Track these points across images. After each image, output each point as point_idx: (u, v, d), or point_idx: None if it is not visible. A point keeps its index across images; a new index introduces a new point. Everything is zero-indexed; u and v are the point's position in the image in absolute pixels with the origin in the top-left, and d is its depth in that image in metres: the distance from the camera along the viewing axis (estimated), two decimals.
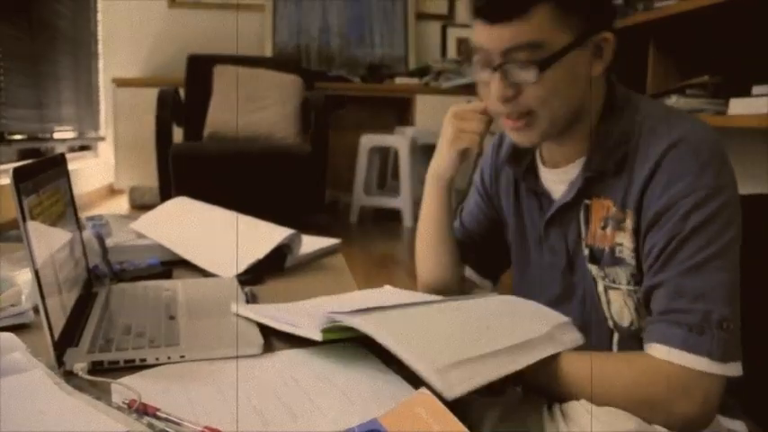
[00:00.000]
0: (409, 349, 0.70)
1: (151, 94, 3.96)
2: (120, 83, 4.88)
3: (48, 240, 0.82)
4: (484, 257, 1.17)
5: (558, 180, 0.98)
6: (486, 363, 0.72)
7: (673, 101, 2.54)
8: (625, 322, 0.93)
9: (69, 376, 0.73)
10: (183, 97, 4.32)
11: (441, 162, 1.07)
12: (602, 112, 0.94)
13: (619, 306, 0.92)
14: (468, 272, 1.17)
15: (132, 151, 4.83)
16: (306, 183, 3.81)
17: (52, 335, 0.75)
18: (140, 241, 1.38)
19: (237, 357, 0.81)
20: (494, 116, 0.97)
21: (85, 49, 4.94)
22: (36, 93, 3.97)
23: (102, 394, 0.68)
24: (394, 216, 4.50)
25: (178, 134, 4.17)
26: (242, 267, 1.23)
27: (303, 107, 4.23)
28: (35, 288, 0.73)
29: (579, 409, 0.77)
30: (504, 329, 0.81)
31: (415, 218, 1.16)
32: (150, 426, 0.62)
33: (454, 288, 1.13)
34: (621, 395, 0.78)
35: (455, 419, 0.58)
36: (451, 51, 5.34)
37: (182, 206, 1.57)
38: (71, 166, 1.03)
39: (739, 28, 2.58)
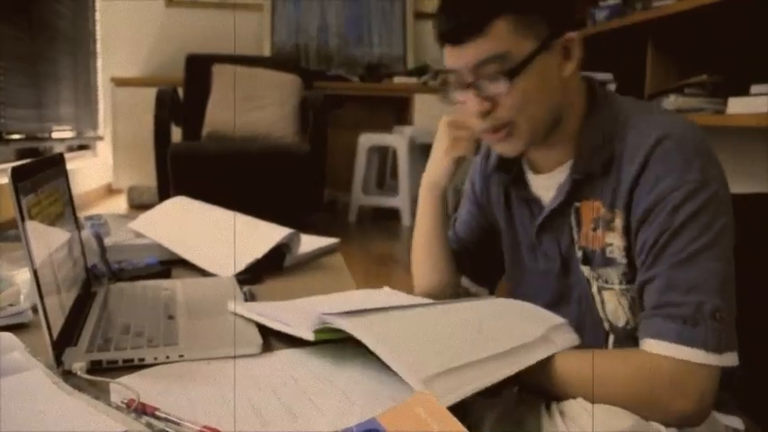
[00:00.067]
0: (398, 356, 0.70)
1: (150, 94, 3.96)
2: (119, 82, 4.87)
3: (46, 240, 0.82)
4: (479, 265, 1.18)
5: (546, 185, 0.99)
6: (475, 371, 0.72)
7: (671, 100, 2.54)
8: (620, 322, 0.93)
9: (68, 376, 0.73)
10: (182, 97, 4.32)
11: (436, 171, 1.08)
12: (585, 113, 0.94)
13: (613, 306, 0.93)
14: (465, 280, 1.18)
15: (131, 151, 4.83)
16: (304, 182, 3.81)
17: (51, 334, 0.74)
18: (139, 241, 1.38)
19: (235, 357, 0.81)
20: (476, 133, 0.97)
21: (84, 48, 4.94)
22: (35, 92, 3.97)
23: (101, 394, 0.68)
24: (392, 215, 4.51)
25: (177, 134, 4.17)
26: (241, 267, 1.23)
27: (302, 106, 4.22)
28: (34, 287, 0.73)
29: (577, 408, 0.77)
30: (497, 333, 0.81)
31: (414, 217, 1.16)
32: (149, 425, 0.62)
33: (450, 294, 1.13)
34: (618, 393, 0.78)
35: (454, 419, 0.57)
36: None
37: (180, 206, 1.57)
38: (69, 166, 1.03)
39: (738, 27, 2.58)
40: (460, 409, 0.60)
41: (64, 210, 0.97)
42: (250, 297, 1.07)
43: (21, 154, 3.86)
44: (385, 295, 1.10)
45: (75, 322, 0.87)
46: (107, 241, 1.25)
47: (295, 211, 3.46)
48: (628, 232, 0.88)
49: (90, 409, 0.64)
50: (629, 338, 0.92)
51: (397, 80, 4.99)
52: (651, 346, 0.80)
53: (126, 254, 1.29)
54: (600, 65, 3.13)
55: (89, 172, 4.82)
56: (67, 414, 0.63)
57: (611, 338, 0.94)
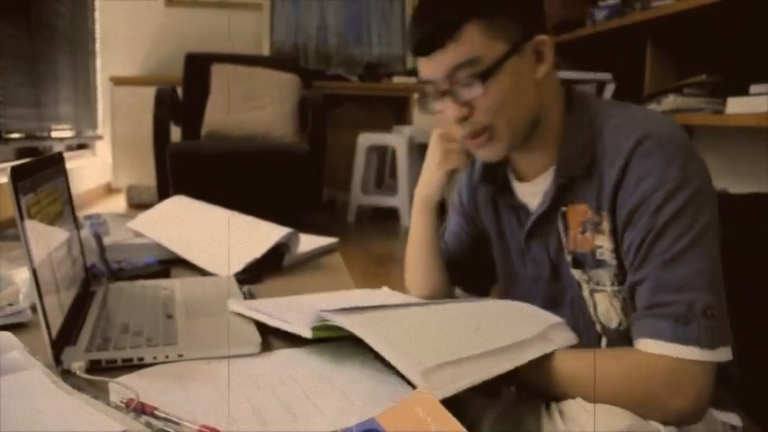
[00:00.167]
0: (395, 349, 0.70)
1: (149, 93, 3.95)
2: (118, 81, 4.87)
3: (45, 239, 0.82)
4: (471, 275, 1.18)
5: (532, 192, 0.99)
6: (473, 364, 0.72)
7: (670, 100, 2.54)
8: (613, 324, 0.93)
9: (67, 375, 0.73)
10: (181, 96, 4.32)
11: (429, 184, 1.09)
12: (564, 117, 0.95)
13: (605, 308, 0.93)
14: (458, 291, 1.18)
15: (130, 150, 4.83)
16: (303, 181, 3.81)
17: (50, 334, 0.74)
18: (138, 240, 1.38)
19: (229, 357, 0.80)
20: (459, 141, 0.98)
21: (83, 47, 4.94)
22: (34, 91, 3.97)
23: (100, 393, 0.68)
24: (391, 215, 4.50)
25: (176, 133, 4.16)
26: (240, 266, 1.23)
27: (301, 106, 4.22)
28: (33, 287, 0.73)
29: (576, 408, 0.78)
30: (494, 331, 0.82)
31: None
32: (148, 425, 0.62)
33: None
34: (615, 392, 0.78)
35: (453, 419, 0.58)
36: None
37: (179, 205, 1.57)
38: (69, 165, 1.03)
39: (737, 27, 2.58)
40: (459, 409, 0.60)
41: (63, 209, 0.96)
42: (249, 296, 1.07)
43: (20, 153, 3.86)
44: (384, 295, 1.10)
45: (74, 321, 0.87)
46: (106, 241, 1.25)
47: (294, 210, 3.46)
48: (615, 234, 0.89)
49: (89, 408, 0.64)
50: (621, 339, 0.92)
51: (397, 80, 5.00)
52: (645, 345, 0.81)
53: (125, 253, 1.29)
54: (599, 65, 3.14)
55: (88, 171, 4.82)
56: (66, 413, 0.63)
57: (604, 341, 0.95)
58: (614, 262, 0.90)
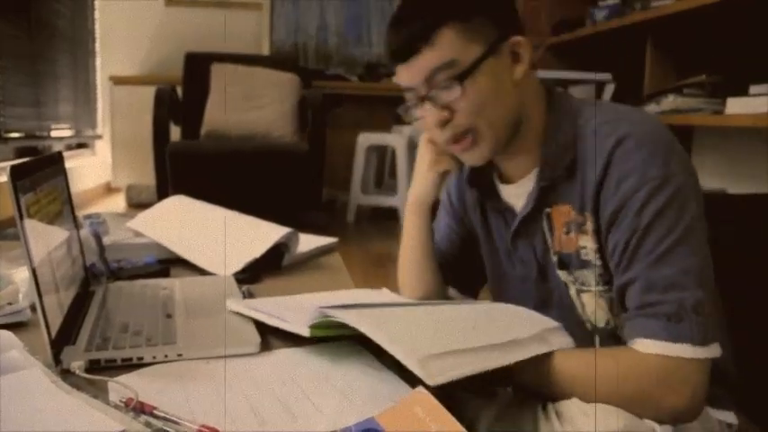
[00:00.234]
0: (393, 339, 0.70)
1: (148, 93, 3.95)
2: (118, 81, 4.87)
3: (45, 238, 0.82)
4: (461, 275, 1.18)
5: (516, 194, 0.99)
6: (470, 355, 0.72)
7: (670, 100, 2.55)
8: (601, 323, 0.93)
9: (66, 374, 0.73)
10: (181, 95, 4.32)
11: (422, 188, 1.09)
12: (546, 117, 0.95)
13: (592, 308, 0.93)
14: (452, 291, 1.18)
15: (129, 149, 4.83)
16: (303, 181, 3.81)
17: (49, 333, 0.74)
18: (137, 239, 1.38)
19: (225, 357, 0.80)
20: (442, 146, 0.98)
21: (83, 47, 4.93)
22: (34, 91, 3.97)
23: (100, 393, 0.68)
24: (391, 215, 4.50)
25: (175, 132, 4.16)
26: (239, 266, 1.23)
27: (300, 105, 4.22)
28: (32, 286, 0.73)
29: (573, 408, 0.78)
30: (492, 329, 0.82)
31: None
32: (147, 424, 0.62)
33: None
34: (610, 392, 0.78)
35: (452, 418, 0.58)
36: None
37: (179, 204, 1.57)
38: (68, 164, 1.03)
39: (737, 27, 2.58)
40: (457, 409, 0.60)
41: (62, 208, 0.96)
42: (248, 296, 1.07)
43: (19, 152, 3.86)
44: (384, 297, 1.11)
45: (73, 321, 0.87)
46: (106, 240, 1.25)
47: (293, 210, 3.46)
48: (599, 234, 0.89)
49: (88, 407, 0.64)
50: (610, 338, 0.93)
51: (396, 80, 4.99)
52: (640, 345, 0.81)
53: (124, 253, 1.29)
54: (599, 65, 3.14)
55: (88, 170, 4.82)
56: (66, 413, 0.63)
57: (598, 339, 0.95)
58: (598, 262, 0.90)
